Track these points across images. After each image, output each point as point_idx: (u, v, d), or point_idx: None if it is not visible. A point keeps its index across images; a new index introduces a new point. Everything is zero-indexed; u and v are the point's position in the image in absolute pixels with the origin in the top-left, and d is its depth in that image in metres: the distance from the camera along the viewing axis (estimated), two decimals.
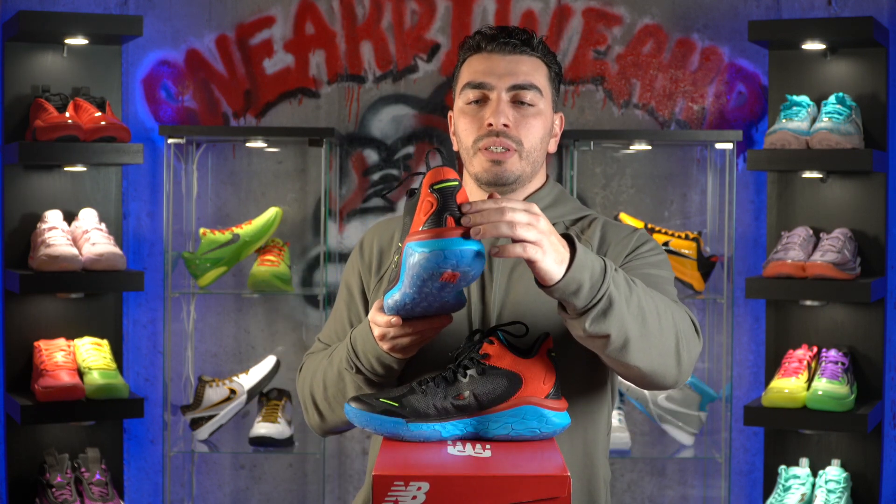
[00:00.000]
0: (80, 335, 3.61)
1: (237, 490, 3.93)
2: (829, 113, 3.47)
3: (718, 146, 3.69)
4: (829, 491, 3.47)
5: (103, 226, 3.57)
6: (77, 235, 3.51)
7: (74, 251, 3.42)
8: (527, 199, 1.99)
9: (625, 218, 3.69)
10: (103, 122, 3.41)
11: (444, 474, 1.51)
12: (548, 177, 2.05)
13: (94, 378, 3.46)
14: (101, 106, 3.50)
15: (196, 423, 3.67)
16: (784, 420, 3.49)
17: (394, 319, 1.71)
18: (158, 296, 3.81)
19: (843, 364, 3.52)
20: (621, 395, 3.72)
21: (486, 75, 1.94)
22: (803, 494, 3.49)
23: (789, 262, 3.49)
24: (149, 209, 3.83)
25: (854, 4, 3.72)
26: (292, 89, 3.86)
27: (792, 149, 3.47)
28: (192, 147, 3.81)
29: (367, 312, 1.99)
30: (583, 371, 1.87)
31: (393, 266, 1.68)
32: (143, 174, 3.81)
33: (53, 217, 3.54)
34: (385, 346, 1.78)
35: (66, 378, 3.43)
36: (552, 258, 1.58)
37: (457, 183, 1.60)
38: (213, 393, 3.66)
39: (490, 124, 1.92)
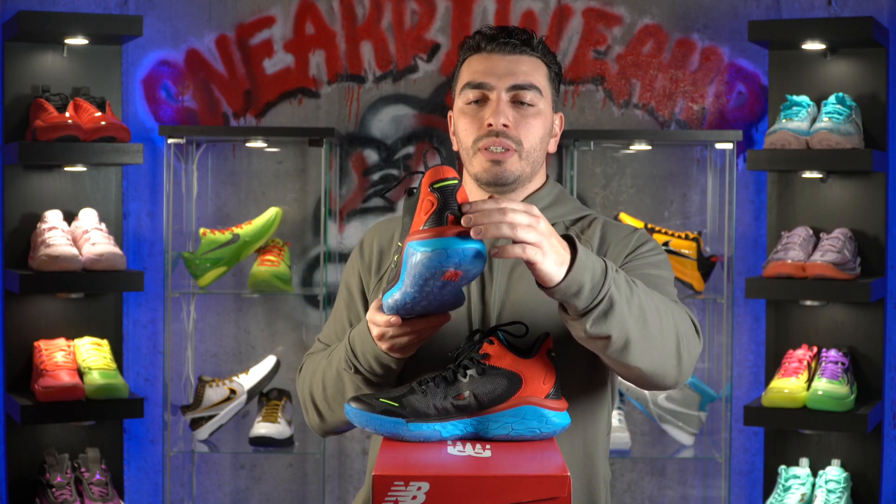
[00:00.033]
0: (80, 335, 3.61)
1: (237, 490, 3.93)
2: (829, 113, 3.47)
3: (718, 146, 3.69)
4: (829, 491, 3.47)
5: (103, 226, 3.57)
6: (77, 235, 3.51)
7: (74, 251, 3.42)
8: (527, 199, 1.99)
9: (625, 218, 3.69)
10: (103, 122, 3.41)
11: (444, 474, 1.51)
12: (548, 177, 2.05)
13: (94, 378, 3.46)
14: (101, 106, 3.50)
15: (196, 423, 3.67)
16: (784, 420, 3.49)
17: (393, 319, 1.71)
18: (158, 296, 3.81)
19: (843, 364, 3.52)
20: (621, 395, 3.72)
21: (486, 75, 1.94)
22: (803, 494, 3.49)
23: (789, 262, 3.49)
24: (149, 209, 3.83)
25: (854, 4, 3.72)
26: (292, 89, 3.86)
27: (792, 149, 3.47)
28: (192, 147, 3.81)
29: (367, 312, 1.99)
30: (583, 371, 1.87)
31: (392, 266, 1.68)
32: (143, 174, 3.81)
33: (53, 217, 3.54)
34: (384, 345, 1.78)
35: (66, 378, 3.43)
36: (552, 260, 1.57)
37: (457, 181, 1.60)
38: (213, 393, 3.66)
39: (490, 124, 1.92)
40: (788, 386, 3.47)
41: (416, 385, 1.69)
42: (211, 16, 3.83)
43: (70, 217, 3.60)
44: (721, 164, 3.78)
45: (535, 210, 1.59)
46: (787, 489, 3.51)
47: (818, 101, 3.58)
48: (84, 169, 3.65)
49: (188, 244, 3.81)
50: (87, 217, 3.57)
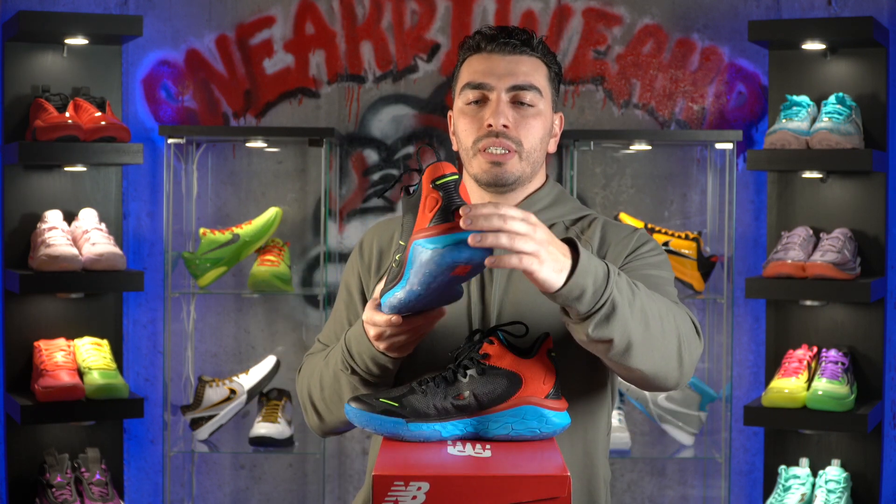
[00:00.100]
0: (80, 335, 3.61)
1: (237, 490, 3.93)
2: (829, 113, 3.47)
3: (718, 146, 3.69)
4: (829, 491, 3.47)
5: (103, 226, 3.57)
6: (77, 235, 3.51)
7: (74, 251, 3.42)
8: (526, 199, 1.99)
9: (625, 218, 3.69)
10: (103, 122, 3.41)
11: (444, 474, 1.51)
12: (547, 177, 2.05)
13: (94, 378, 3.46)
14: (101, 106, 3.50)
15: (196, 423, 3.67)
16: (784, 420, 3.49)
17: (394, 318, 1.70)
18: (158, 296, 3.81)
19: (843, 364, 3.52)
20: (621, 395, 3.72)
21: (486, 76, 1.93)
22: (803, 494, 3.49)
23: (789, 262, 3.49)
24: (149, 209, 3.83)
25: (854, 4, 3.72)
26: (292, 89, 3.86)
27: (792, 149, 3.47)
28: (192, 147, 3.81)
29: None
30: (583, 371, 1.87)
31: (394, 265, 1.68)
32: (143, 174, 3.81)
33: (53, 217, 3.54)
34: (382, 345, 1.77)
35: (66, 378, 3.43)
36: (550, 268, 1.56)
37: (457, 176, 1.60)
38: (213, 393, 3.66)
39: (490, 125, 1.92)
40: (788, 386, 3.47)
41: (416, 385, 1.69)
42: (211, 16, 3.83)
43: (70, 217, 3.60)
44: (721, 164, 3.78)
45: (534, 218, 1.57)
46: (787, 489, 3.51)
47: (818, 101, 3.58)
48: (84, 169, 3.65)
49: (188, 244, 3.81)
50: (87, 217, 3.57)
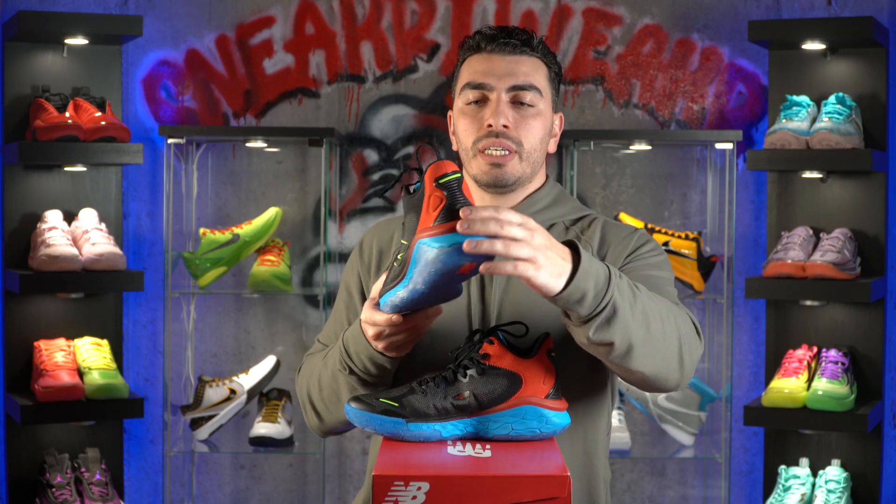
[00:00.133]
0: (80, 335, 3.61)
1: (237, 490, 3.93)
2: (829, 113, 3.47)
3: (718, 146, 3.69)
4: (829, 491, 3.47)
5: (103, 226, 3.57)
6: (77, 235, 3.51)
7: (74, 251, 3.42)
8: (526, 199, 1.99)
9: (625, 218, 3.69)
10: (103, 122, 3.41)
11: (444, 474, 1.51)
12: (547, 177, 2.05)
13: (94, 378, 3.46)
14: (101, 106, 3.50)
15: (196, 423, 3.67)
16: (784, 420, 3.49)
17: (395, 317, 1.70)
18: (158, 296, 3.81)
19: (843, 364, 3.52)
20: (621, 395, 3.72)
21: (486, 76, 1.93)
22: (803, 494, 3.49)
23: (789, 262, 3.49)
24: (149, 209, 3.83)
25: (854, 4, 3.72)
26: (292, 89, 3.86)
27: (792, 149, 3.47)
28: (192, 147, 3.81)
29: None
30: (583, 371, 1.87)
31: (395, 264, 1.67)
32: (143, 174, 3.81)
33: (53, 217, 3.54)
34: (380, 345, 1.77)
35: (66, 378, 3.43)
36: (547, 273, 1.56)
37: (459, 175, 1.60)
38: (213, 393, 3.66)
39: (490, 125, 1.92)
40: (788, 386, 3.47)
41: (416, 385, 1.69)
42: (211, 16, 3.83)
43: (70, 217, 3.60)
44: (721, 164, 3.78)
45: (532, 223, 1.57)
46: (787, 489, 3.51)
47: (818, 101, 3.58)
48: (84, 169, 3.65)
49: (188, 244, 3.81)
50: (87, 217, 3.57)
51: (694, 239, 3.67)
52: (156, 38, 3.80)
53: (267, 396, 3.74)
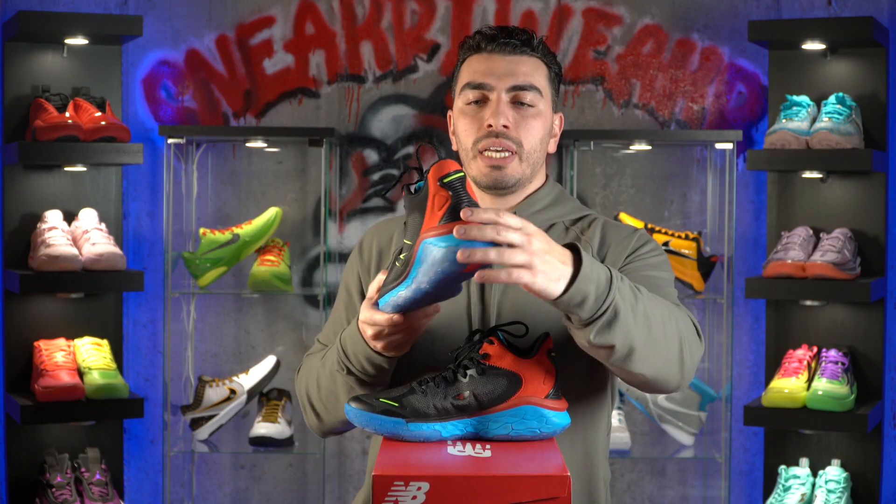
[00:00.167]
0: (80, 335, 3.61)
1: (237, 490, 3.93)
2: (829, 113, 3.48)
3: (718, 146, 3.69)
4: (829, 491, 3.47)
5: (103, 226, 3.57)
6: (77, 235, 3.51)
7: (74, 251, 3.42)
8: (526, 199, 1.99)
9: (625, 218, 3.69)
10: (103, 122, 3.41)
11: (444, 474, 1.51)
12: (547, 177, 2.04)
13: (94, 378, 3.46)
14: (101, 106, 3.50)
15: (196, 423, 3.67)
16: (784, 420, 3.49)
17: (396, 317, 1.70)
18: (158, 296, 3.81)
19: (843, 364, 3.52)
20: (621, 395, 3.72)
21: (486, 76, 1.93)
22: (803, 494, 3.49)
23: (789, 262, 3.49)
24: (149, 209, 3.83)
25: (854, 4, 3.72)
26: (292, 89, 3.86)
27: (792, 149, 3.47)
28: (192, 147, 3.81)
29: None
30: (583, 371, 1.87)
31: (397, 264, 1.67)
32: (143, 174, 3.81)
33: (53, 217, 3.54)
34: (379, 344, 1.76)
35: (66, 378, 3.43)
36: (544, 278, 1.55)
37: (463, 173, 1.60)
38: (213, 393, 3.66)
39: (490, 125, 1.92)
40: (788, 386, 3.47)
41: (416, 385, 1.69)
42: (211, 16, 3.83)
43: (70, 217, 3.60)
44: (721, 164, 3.78)
45: (532, 227, 1.56)
46: (787, 489, 3.51)
47: (818, 101, 3.58)
48: (84, 169, 3.65)
49: (188, 244, 3.81)
50: (87, 217, 3.57)
51: (694, 239, 3.67)
52: (156, 38, 3.80)
53: (267, 396, 3.74)
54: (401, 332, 1.74)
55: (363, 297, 2.03)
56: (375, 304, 1.72)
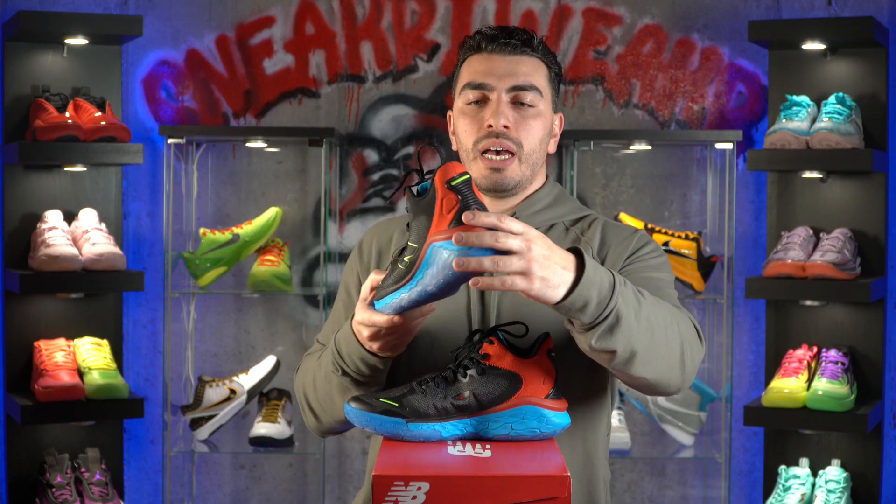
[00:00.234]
0: (80, 335, 3.61)
1: (237, 490, 3.93)
2: (829, 113, 3.48)
3: (718, 146, 3.69)
4: (829, 491, 3.47)
5: (103, 226, 3.57)
6: (77, 235, 3.51)
7: (74, 251, 3.42)
8: (526, 199, 1.99)
9: (625, 218, 3.69)
10: (103, 122, 3.41)
11: (444, 474, 1.51)
12: (547, 177, 2.04)
13: (94, 378, 3.46)
14: (101, 106, 3.50)
15: (196, 423, 3.67)
16: (784, 420, 3.49)
17: (396, 319, 1.69)
18: (158, 296, 3.81)
19: (843, 364, 3.52)
20: (621, 395, 3.72)
21: (487, 76, 1.93)
22: (803, 494, 3.49)
23: (789, 262, 3.49)
24: (149, 209, 3.83)
25: (854, 4, 3.72)
26: (292, 89, 3.86)
27: (792, 149, 3.47)
28: (192, 147, 3.81)
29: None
30: (583, 371, 1.87)
31: (400, 266, 1.66)
32: (143, 174, 3.81)
33: (53, 217, 3.54)
34: (375, 345, 1.76)
35: (66, 378, 3.43)
36: (542, 285, 1.54)
37: (468, 175, 1.60)
38: (213, 393, 3.66)
39: (490, 125, 1.91)
40: (788, 386, 3.47)
41: (416, 385, 1.69)
42: (211, 16, 3.83)
43: (70, 217, 3.60)
44: (721, 164, 3.78)
45: (533, 232, 1.55)
46: (787, 489, 3.51)
47: (818, 101, 3.58)
48: (84, 169, 3.65)
49: (188, 244, 3.81)
50: (87, 217, 3.57)
51: (694, 239, 3.67)
52: (156, 38, 3.80)
53: (267, 396, 3.74)
54: (397, 332, 1.74)
55: None
56: (371, 305, 1.71)
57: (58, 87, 3.58)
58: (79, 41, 3.58)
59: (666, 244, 3.65)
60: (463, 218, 1.54)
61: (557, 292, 1.56)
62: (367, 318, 1.72)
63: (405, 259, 1.64)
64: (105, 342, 3.60)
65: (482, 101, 1.94)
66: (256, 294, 3.73)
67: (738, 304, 3.81)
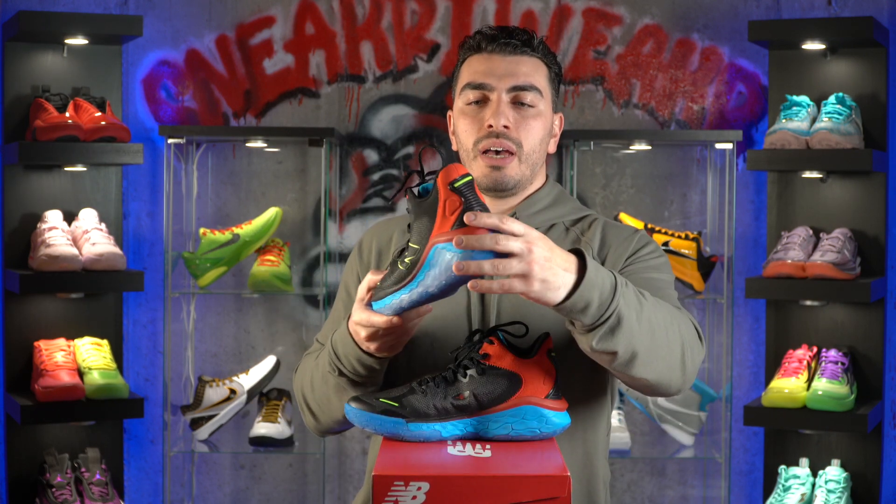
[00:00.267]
0: (80, 335, 3.61)
1: (237, 490, 3.93)
2: (829, 113, 3.48)
3: (718, 146, 3.69)
4: (829, 491, 3.47)
5: (103, 226, 3.57)
6: (77, 235, 3.51)
7: (74, 251, 3.42)
8: (526, 199, 1.99)
9: (625, 218, 3.69)
10: (103, 122, 3.41)
11: (444, 474, 1.51)
12: (547, 177, 2.04)
13: (94, 378, 3.46)
14: (101, 106, 3.50)
15: (196, 423, 3.67)
16: (784, 420, 3.49)
17: (395, 320, 1.69)
18: (158, 296, 3.81)
19: (843, 364, 3.52)
20: (621, 395, 3.72)
21: (487, 76, 1.93)
22: (803, 494, 3.49)
23: (789, 262, 3.49)
24: (149, 209, 3.83)
25: (854, 4, 3.72)
26: (292, 89, 3.86)
27: (792, 149, 3.47)
28: (192, 147, 3.81)
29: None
30: (583, 371, 1.87)
31: (400, 267, 1.65)
32: (143, 174, 3.81)
33: (53, 217, 3.54)
34: (373, 346, 1.75)
35: (66, 378, 3.43)
36: (542, 287, 1.54)
37: (471, 177, 1.60)
38: (213, 393, 3.66)
39: (490, 125, 1.91)
40: (788, 386, 3.47)
41: (416, 385, 1.69)
42: (211, 16, 3.83)
43: (70, 217, 3.60)
44: (721, 164, 3.78)
45: (534, 234, 1.55)
46: (787, 489, 3.51)
47: (818, 101, 3.58)
48: (84, 169, 3.65)
49: (188, 244, 3.81)
50: (87, 217, 3.57)
51: (694, 239, 3.67)
52: (156, 38, 3.80)
53: (267, 396, 3.74)
54: (395, 333, 1.73)
55: None
56: (368, 306, 1.71)
57: (58, 87, 3.58)
58: (79, 41, 3.58)
59: (666, 244, 3.65)
60: (465, 219, 1.54)
61: (558, 294, 1.56)
62: (365, 319, 1.72)
63: (406, 260, 1.64)
64: (105, 342, 3.60)
65: (482, 102, 1.94)
66: (256, 294, 3.73)
67: (738, 304, 3.81)
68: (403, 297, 1.63)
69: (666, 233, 3.68)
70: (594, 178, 3.84)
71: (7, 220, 3.59)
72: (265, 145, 3.79)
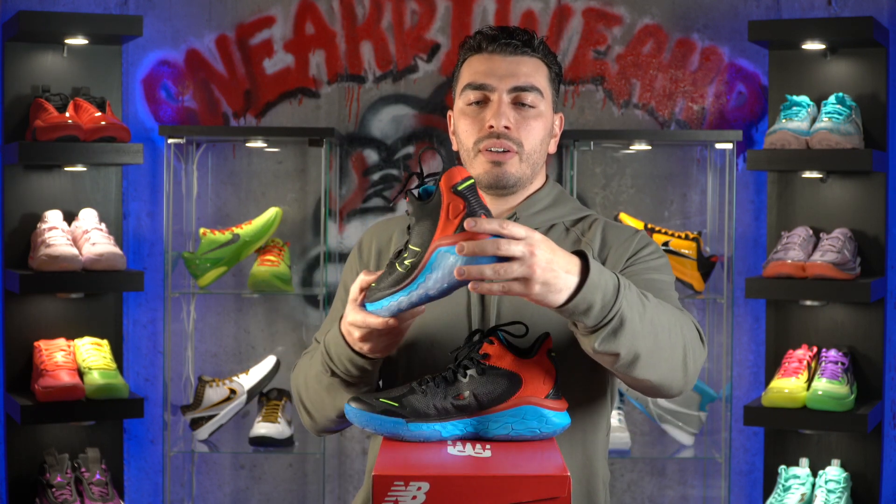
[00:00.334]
0: (80, 335, 3.61)
1: (237, 490, 3.93)
2: (829, 113, 3.48)
3: (718, 146, 3.69)
4: (829, 491, 3.47)
5: (103, 226, 3.57)
6: (77, 235, 3.51)
7: (74, 251, 3.42)
8: (526, 199, 1.99)
9: (625, 218, 3.69)
10: (103, 122, 3.41)
11: (444, 474, 1.51)
12: (547, 177, 2.04)
13: (94, 378, 3.46)
14: (101, 106, 3.50)
15: (196, 423, 3.67)
16: (784, 420, 3.49)
17: (391, 321, 1.69)
18: (158, 296, 3.81)
19: (843, 364, 3.52)
20: (621, 395, 3.72)
21: (487, 76, 1.93)
22: (803, 494, 3.49)
23: (789, 262, 3.49)
24: (149, 209, 3.83)
25: (854, 4, 3.72)
26: (292, 89, 3.86)
27: (792, 149, 3.47)
28: (192, 147, 3.81)
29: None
30: (583, 372, 1.87)
31: (400, 269, 1.65)
32: (143, 174, 3.81)
33: (53, 217, 3.54)
34: (366, 347, 1.75)
35: (66, 378, 3.43)
36: (543, 290, 1.54)
37: (473, 180, 1.60)
38: (213, 393, 3.66)
39: (491, 126, 1.91)
40: (788, 386, 3.47)
41: (416, 385, 1.69)
42: (211, 16, 3.83)
43: (70, 217, 3.60)
44: (721, 164, 3.78)
45: (536, 237, 1.55)
46: (787, 489, 3.51)
47: (818, 101, 3.58)
48: (84, 169, 3.65)
49: (188, 244, 3.81)
50: (87, 217, 3.57)
51: (694, 239, 3.67)
52: (156, 38, 3.80)
53: (267, 396, 3.74)
54: (390, 334, 1.73)
55: None
56: (362, 307, 1.71)
57: (58, 87, 3.58)
58: (79, 41, 3.58)
59: (666, 244, 3.65)
60: (465, 225, 1.54)
61: (560, 296, 1.56)
62: (360, 320, 1.71)
63: (406, 262, 1.63)
64: (105, 342, 3.60)
65: (483, 102, 1.94)
66: (256, 294, 3.73)
67: (738, 304, 3.81)
68: (402, 298, 1.63)
69: (666, 233, 3.68)
70: (594, 178, 3.84)
71: (7, 220, 3.59)
72: (265, 145, 3.79)
